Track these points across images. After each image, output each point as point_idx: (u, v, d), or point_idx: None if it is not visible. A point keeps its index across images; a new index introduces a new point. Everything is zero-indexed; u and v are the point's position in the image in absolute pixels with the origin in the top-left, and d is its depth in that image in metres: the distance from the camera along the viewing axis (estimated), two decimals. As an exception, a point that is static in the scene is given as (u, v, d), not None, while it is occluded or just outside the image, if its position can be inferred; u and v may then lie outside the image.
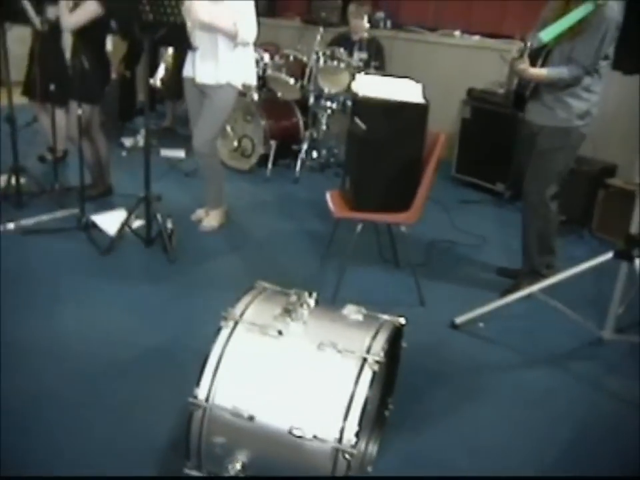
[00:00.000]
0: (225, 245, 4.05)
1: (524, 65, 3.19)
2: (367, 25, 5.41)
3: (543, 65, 3.26)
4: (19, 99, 4.37)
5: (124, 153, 5.63)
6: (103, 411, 2.44)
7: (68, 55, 4.10)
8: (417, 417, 2.54)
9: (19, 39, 4.82)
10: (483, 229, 4.50)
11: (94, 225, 4.03)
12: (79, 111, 3.87)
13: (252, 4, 3.85)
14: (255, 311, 1.95)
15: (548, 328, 3.24)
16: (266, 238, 4.21)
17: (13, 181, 4.25)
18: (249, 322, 1.90)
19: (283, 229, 4.37)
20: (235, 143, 5.47)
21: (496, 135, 5.12)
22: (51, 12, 4.07)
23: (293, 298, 1.97)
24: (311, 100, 5.48)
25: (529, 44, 3.16)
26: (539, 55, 3.24)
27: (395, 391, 2.32)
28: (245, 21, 3.81)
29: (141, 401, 2.52)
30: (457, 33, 6.08)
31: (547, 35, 3.06)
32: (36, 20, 3.91)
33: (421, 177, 3.26)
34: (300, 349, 1.86)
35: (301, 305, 1.95)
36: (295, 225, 4.44)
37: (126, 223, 3.83)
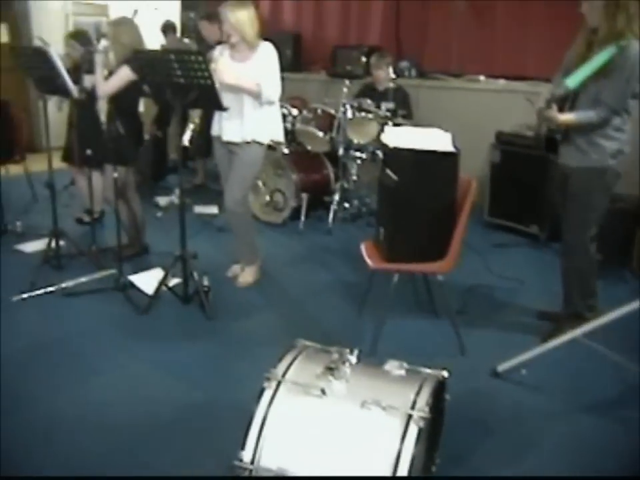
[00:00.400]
0: (262, 301, 4.07)
1: (553, 113, 3.20)
2: (392, 75, 5.49)
3: (571, 108, 3.27)
4: (56, 163, 4.50)
5: (159, 214, 5.72)
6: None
7: (103, 119, 4.24)
8: (464, 470, 2.48)
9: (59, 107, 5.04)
10: (519, 272, 4.45)
11: (132, 285, 4.08)
12: (115, 174, 3.96)
13: (276, 63, 3.93)
14: (297, 370, 1.95)
15: (593, 373, 3.17)
16: (302, 292, 4.21)
17: (53, 244, 4.35)
18: (291, 382, 1.90)
19: (318, 282, 4.37)
20: (267, 197, 5.53)
21: (527, 177, 5.10)
22: (87, 81, 4.22)
23: (335, 356, 1.97)
24: (340, 151, 5.53)
25: (555, 93, 3.18)
26: (567, 99, 3.25)
27: (440, 445, 2.28)
28: (269, 81, 3.87)
29: (184, 465, 2.49)
30: (482, 77, 6.14)
31: (572, 81, 3.09)
32: (74, 90, 4.05)
33: (454, 224, 3.25)
34: (344, 408, 1.85)
35: (343, 363, 1.94)
36: (331, 277, 4.44)
37: (163, 282, 3.87)
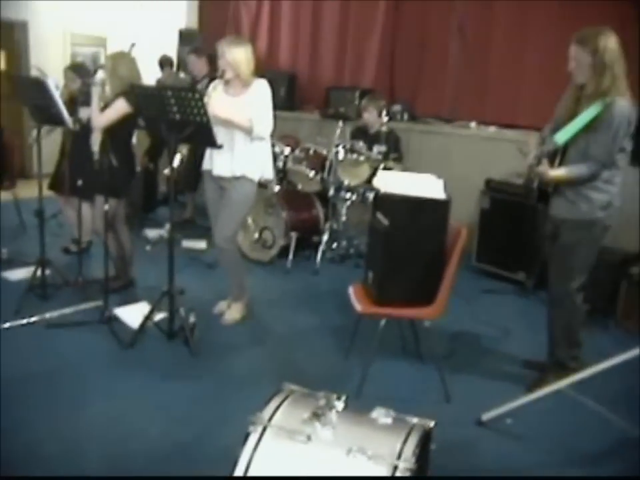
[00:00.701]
0: (247, 339, 4.04)
1: (543, 169, 3.26)
2: (382, 119, 5.53)
3: (561, 162, 3.32)
4: (46, 191, 4.50)
5: (148, 247, 5.70)
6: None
7: (96, 150, 4.24)
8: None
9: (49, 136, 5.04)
10: (506, 319, 4.46)
11: (117, 318, 4.05)
12: (106, 206, 3.96)
13: (269, 99, 3.96)
14: (283, 415, 1.93)
15: (578, 425, 3.16)
16: (288, 332, 4.19)
17: (39, 273, 4.31)
18: (277, 427, 1.88)
19: (305, 323, 4.35)
20: (256, 235, 5.54)
21: (516, 225, 5.15)
22: (83, 112, 4.25)
23: (322, 401, 1.95)
24: (331, 192, 5.56)
25: (544, 149, 3.24)
26: (557, 153, 3.31)
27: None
28: (261, 117, 3.90)
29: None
30: (473, 124, 6.21)
31: (561, 138, 3.16)
32: (69, 121, 4.06)
33: (443, 271, 3.27)
34: (329, 455, 1.82)
35: (330, 409, 1.92)
36: (317, 319, 4.42)
37: (148, 317, 3.85)
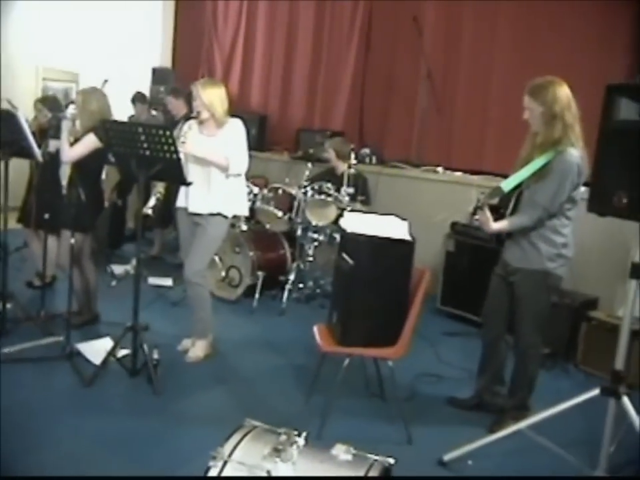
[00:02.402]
0: (211, 378, 4.01)
1: (483, 219, 3.31)
2: (353, 161, 5.62)
3: (515, 206, 3.40)
4: (10, 223, 4.45)
5: (114, 282, 5.65)
6: None
7: (65, 184, 4.23)
8: None
9: (16, 167, 4.99)
10: (469, 361, 4.47)
11: (79, 354, 3.99)
12: (72, 240, 3.94)
13: (244, 137, 4.06)
14: (244, 450, 1.93)
15: (538, 467, 3.18)
16: (252, 371, 4.17)
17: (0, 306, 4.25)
18: (237, 462, 1.88)
19: (269, 362, 4.34)
20: (223, 273, 5.54)
21: (480, 268, 5.18)
22: (52, 145, 4.25)
23: (283, 437, 1.95)
24: (299, 232, 5.61)
25: (489, 201, 3.29)
26: (510, 198, 3.39)
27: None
28: (237, 154, 3.99)
29: None
30: (440, 168, 6.33)
31: (507, 185, 3.21)
32: (38, 153, 4.06)
33: (407, 312, 3.31)
34: (289, 491, 1.83)
35: (291, 445, 1.93)
36: (281, 358, 4.41)
37: (111, 353, 3.81)
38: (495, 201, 3.37)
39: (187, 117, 5.81)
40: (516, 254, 3.43)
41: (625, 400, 2.84)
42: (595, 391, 2.92)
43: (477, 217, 3.33)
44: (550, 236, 3.32)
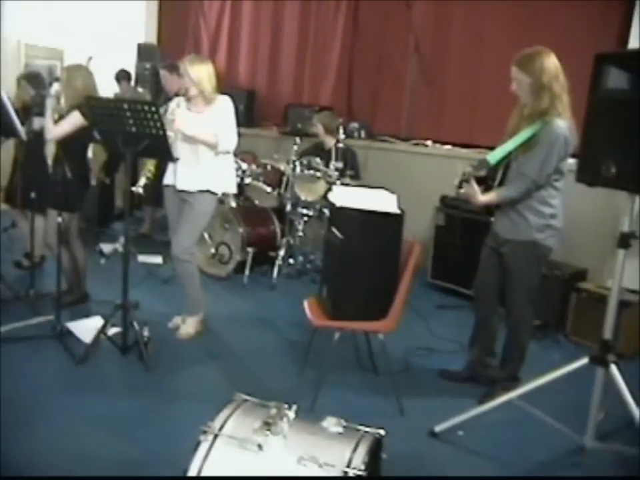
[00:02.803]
0: (202, 354, 4.01)
1: (471, 191, 3.31)
2: (342, 136, 5.59)
3: (502, 178, 3.40)
4: (-2, 204, 4.43)
5: (103, 261, 5.63)
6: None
7: (50, 163, 4.19)
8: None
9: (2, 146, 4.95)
10: (460, 334, 4.49)
11: (69, 333, 3.98)
12: (59, 219, 3.91)
13: (232, 114, 4.03)
14: (234, 424, 1.93)
15: (528, 436, 3.22)
16: (243, 347, 4.17)
17: (-12, 287, 4.23)
18: (228, 436, 1.88)
19: (260, 338, 4.35)
20: (213, 250, 5.52)
21: (470, 241, 5.22)
22: (36, 123, 4.20)
23: (273, 411, 1.96)
24: (288, 207, 5.60)
25: (467, 171, 3.29)
26: (498, 170, 3.38)
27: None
28: (225, 131, 3.97)
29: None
30: (429, 142, 6.31)
31: (493, 157, 3.22)
32: (21, 131, 4.01)
33: (397, 285, 3.31)
34: (280, 463, 1.83)
35: (281, 418, 1.93)
36: (273, 333, 4.42)
37: (102, 331, 3.80)
38: (482, 173, 3.36)
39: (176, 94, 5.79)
40: (505, 225, 3.43)
41: (613, 368, 2.86)
42: (584, 360, 2.94)
43: (462, 189, 3.32)
44: (538, 207, 3.32)
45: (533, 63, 3.21)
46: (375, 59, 6.84)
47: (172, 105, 4.10)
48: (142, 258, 5.75)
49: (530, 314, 3.53)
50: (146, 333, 3.75)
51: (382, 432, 2.04)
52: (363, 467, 1.80)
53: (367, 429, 2.02)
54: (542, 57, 3.21)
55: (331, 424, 2.00)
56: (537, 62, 3.20)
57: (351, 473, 1.78)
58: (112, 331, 3.90)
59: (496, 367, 3.68)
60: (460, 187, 3.32)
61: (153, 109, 3.48)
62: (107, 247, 5.86)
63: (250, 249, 5.41)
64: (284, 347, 4.19)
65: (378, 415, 3.29)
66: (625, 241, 2.81)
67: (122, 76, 7.21)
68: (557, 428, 3.02)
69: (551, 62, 3.21)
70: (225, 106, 4.03)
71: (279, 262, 5.51)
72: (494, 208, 3.48)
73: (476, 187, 3.30)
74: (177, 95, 4.35)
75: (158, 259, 5.75)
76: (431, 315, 4.89)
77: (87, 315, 4.30)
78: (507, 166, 3.38)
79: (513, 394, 3.08)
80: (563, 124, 3.19)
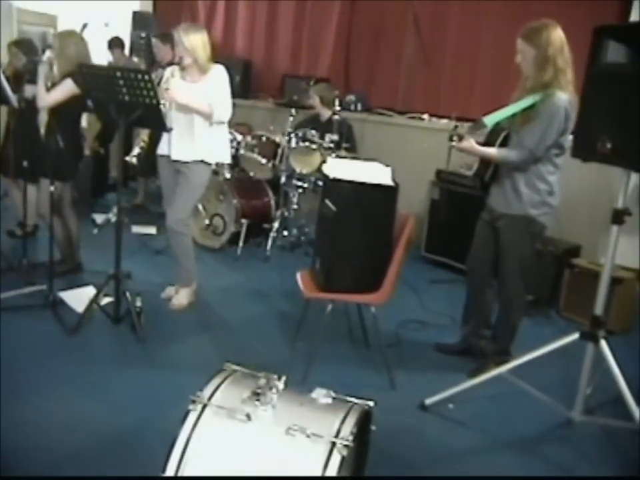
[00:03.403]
0: (195, 325, 4.02)
1: (467, 144, 3.28)
2: (337, 108, 5.55)
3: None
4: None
5: (95, 230, 5.62)
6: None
7: (43, 132, 4.15)
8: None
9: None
10: (452, 309, 4.50)
11: (61, 302, 3.98)
12: (51, 188, 3.88)
13: (227, 84, 3.99)
14: (223, 394, 1.93)
15: (517, 410, 3.24)
16: (236, 318, 4.18)
17: (-19, 256, 4.22)
18: (217, 405, 1.88)
19: (253, 309, 4.35)
20: (207, 221, 5.51)
21: (464, 216, 5.18)
22: (28, 90, 4.15)
23: (262, 381, 1.96)
24: (283, 179, 5.57)
25: (459, 128, 3.31)
26: (496, 139, 3.36)
27: (364, 476, 2.28)
28: (220, 101, 3.94)
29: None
30: (426, 116, 6.27)
31: (489, 120, 3.21)
32: (13, 98, 3.96)
33: (390, 258, 3.30)
34: (268, 433, 1.84)
35: (270, 389, 1.93)
36: (265, 305, 4.43)
37: (94, 300, 3.79)
38: (479, 136, 3.36)
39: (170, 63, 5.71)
40: (500, 200, 3.43)
41: (603, 344, 2.87)
42: (575, 335, 2.95)
43: (454, 143, 3.29)
44: (535, 182, 3.31)
45: (538, 35, 3.19)
46: (373, 31, 6.76)
47: (166, 74, 4.05)
48: (136, 229, 5.74)
49: (522, 289, 3.53)
50: (138, 303, 3.75)
51: (371, 403, 2.04)
52: (351, 438, 1.81)
53: (356, 400, 2.02)
54: (548, 29, 3.19)
55: (320, 395, 2.00)
56: (543, 34, 3.18)
57: (339, 443, 1.78)
58: (104, 300, 3.90)
59: (489, 340, 3.69)
60: (451, 139, 3.29)
61: (147, 77, 3.44)
62: (99, 217, 5.85)
63: (244, 221, 5.39)
64: (276, 318, 4.20)
65: (369, 387, 3.30)
66: (618, 217, 2.81)
67: (115, 44, 7.10)
68: (545, 402, 3.04)
69: (557, 35, 3.19)
70: (219, 75, 3.98)
71: (272, 234, 5.50)
72: (488, 179, 3.46)
73: (472, 140, 3.29)
74: (170, 64, 4.29)
75: (152, 230, 5.74)
76: (424, 288, 4.90)
77: (79, 284, 4.29)
78: (506, 139, 3.36)
79: (503, 368, 3.09)
80: (565, 97, 3.17)
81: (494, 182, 3.46)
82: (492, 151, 3.34)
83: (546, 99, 3.17)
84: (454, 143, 3.30)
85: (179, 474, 1.79)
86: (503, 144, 3.36)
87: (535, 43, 3.19)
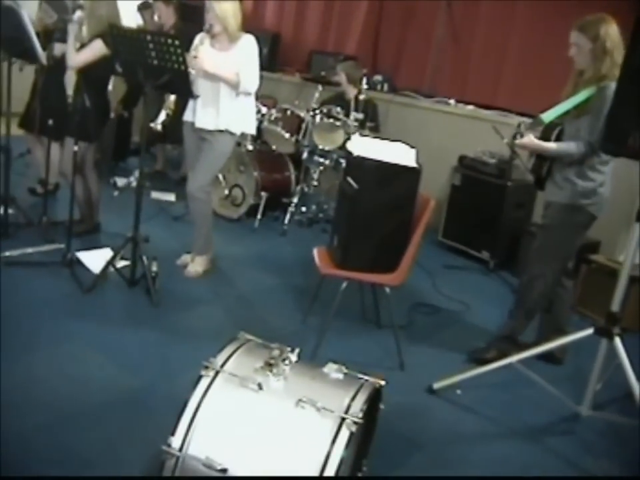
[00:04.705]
0: (209, 293, 4.04)
1: (528, 141, 3.30)
2: (364, 87, 5.51)
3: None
4: (14, 129, 4.38)
5: (115, 193, 5.64)
6: (71, 459, 2.37)
7: (70, 91, 4.15)
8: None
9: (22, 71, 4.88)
10: (466, 295, 4.51)
11: (78, 262, 4.01)
12: (75, 148, 3.89)
13: (256, 55, 3.96)
14: (236, 362, 1.94)
15: (525, 400, 3.24)
16: (250, 289, 4.20)
17: (2, 211, 4.23)
18: (229, 373, 1.90)
19: (267, 281, 4.36)
20: (226, 192, 5.51)
21: (484, 203, 5.19)
22: (57, 48, 4.14)
23: (275, 352, 1.97)
24: (305, 155, 5.55)
25: (523, 130, 3.30)
26: (551, 135, 3.34)
27: (370, 453, 2.30)
28: (248, 71, 3.91)
29: (112, 447, 2.46)
30: (452, 101, 6.21)
31: (547, 117, 3.21)
32: (42, 57, 3.96)
33: (408, 240, 3.29)
34: (278, 404, 1.85)
35: (283, 360, 1.94)
36: (280, 278, 4.43)
37: (111, 262, 3.82)
38: (537, 132, 3.35)
39: (176, 27, 5.68)
40: (551, 189, 3.42)
41: (617, 341, 2.85)
42: (589, 331, 2.93)
43: (517, 140, 3.31)
44: (586, 171, 3.28)
45: (596, 28, 3.16)
46: (403, 11, 6.69)
47: (195, 41, 4.03)
48: (155, 194, 5.75)
49: (545, 275, 3.45)
50: (154, 267, 3.77)
51: (382, 382, 2.05)
52: (360, 415, 1.82)
53: (368, 378, 2.03)
54: (606, 23, 3.18)
55: (332, 370, 2.01)
56: (602, 28, 3.16)
57: (349, 419, 1.80)
58: (121, 263, 3.93)
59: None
60: (514, 138, 3.34)
61: (176, 42, 3.42)
62: (120, 181, 5.87)
63: (263, 194, 5.39)
64: (290, 292, 4.21)
65: (378, 367, 3.32)
66: (643, 215, 2.77)
67: (145, 6, 7.05)
68: (554, 394, 3.03)
69: (613, 29, 3.17)
70: (249, 45, 3.95)
71: (291, 209, 5.50)
72: (545, 174, 3.43)
73: (532, 137, 3.29)
74: (200, 30, 4.26)
75: (171, 197, 5.76)
76: (439, 273, 4.89)
77: (97, 245, 4.32)
78: (560, 133, 3.33)
79: (514, 357, 3.09)
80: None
81: (549, 176, 3.44)
82: (552, 146, 3.32)
83: (600, 91, 3.13)
84: (517, 141, 3.32)
85: (188, 438, 1.81)
86: (558, 139, 3.33)
87: (592, 36, 3.16)
